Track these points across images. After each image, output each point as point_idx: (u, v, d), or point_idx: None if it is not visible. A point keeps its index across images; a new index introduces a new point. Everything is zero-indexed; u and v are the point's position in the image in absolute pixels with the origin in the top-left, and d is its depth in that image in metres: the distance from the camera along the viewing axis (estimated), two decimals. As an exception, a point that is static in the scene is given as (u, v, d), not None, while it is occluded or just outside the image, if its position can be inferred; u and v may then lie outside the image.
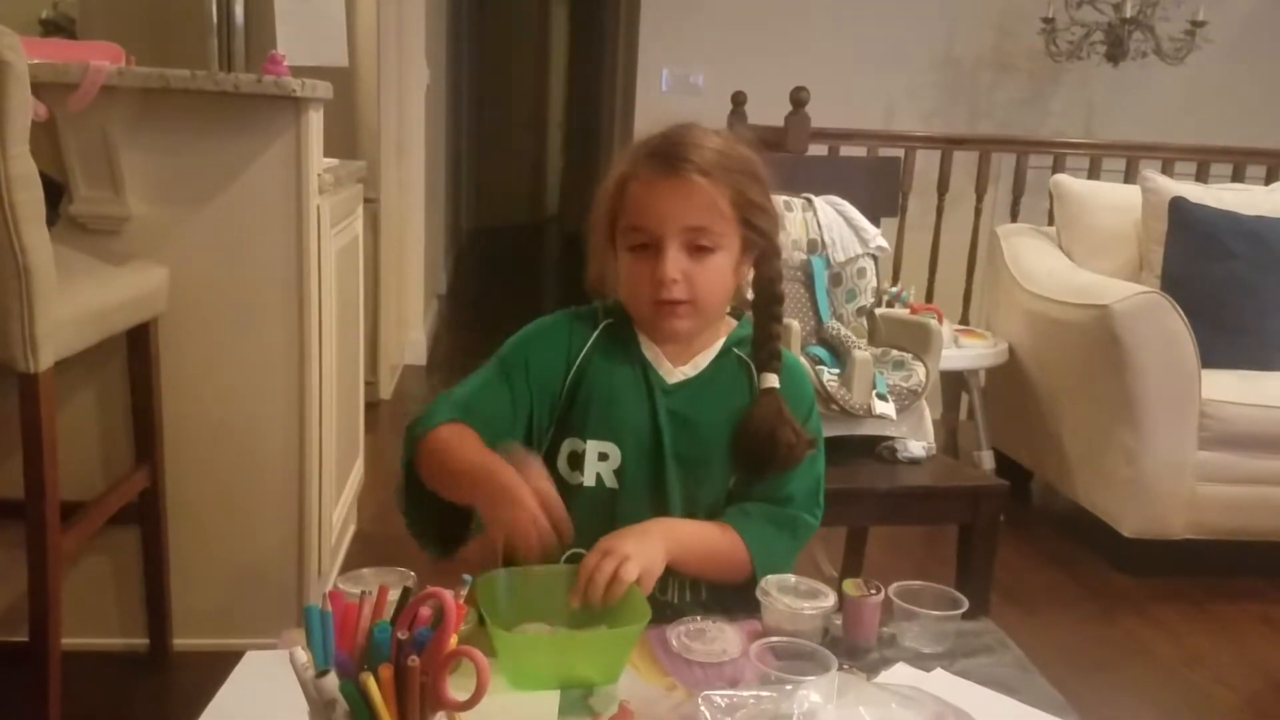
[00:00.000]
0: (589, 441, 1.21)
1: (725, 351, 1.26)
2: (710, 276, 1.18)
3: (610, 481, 1.21)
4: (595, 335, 1.25)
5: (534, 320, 1.29)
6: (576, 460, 1.22)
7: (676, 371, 1.24)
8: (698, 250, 1.17)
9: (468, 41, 7.72)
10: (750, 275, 1.26)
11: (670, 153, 1.16)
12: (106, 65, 1.76)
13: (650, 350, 1.24)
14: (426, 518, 1.21)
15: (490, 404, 1.21)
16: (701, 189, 1.15)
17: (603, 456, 1.21)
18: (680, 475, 1.22)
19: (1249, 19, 4.61)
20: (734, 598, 1.19)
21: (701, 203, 1.15)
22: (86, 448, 1.95)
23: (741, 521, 1.21)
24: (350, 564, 2.43)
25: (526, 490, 1.03)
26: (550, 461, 1.22)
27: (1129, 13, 4.21)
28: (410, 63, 4.13)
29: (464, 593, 0.81)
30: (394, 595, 0.79)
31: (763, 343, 1.26)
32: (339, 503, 2.33)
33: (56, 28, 3.47)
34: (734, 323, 1.29)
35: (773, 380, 1.23)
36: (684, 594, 1.22)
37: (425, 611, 0.76)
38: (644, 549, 1.08)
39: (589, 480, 1.21)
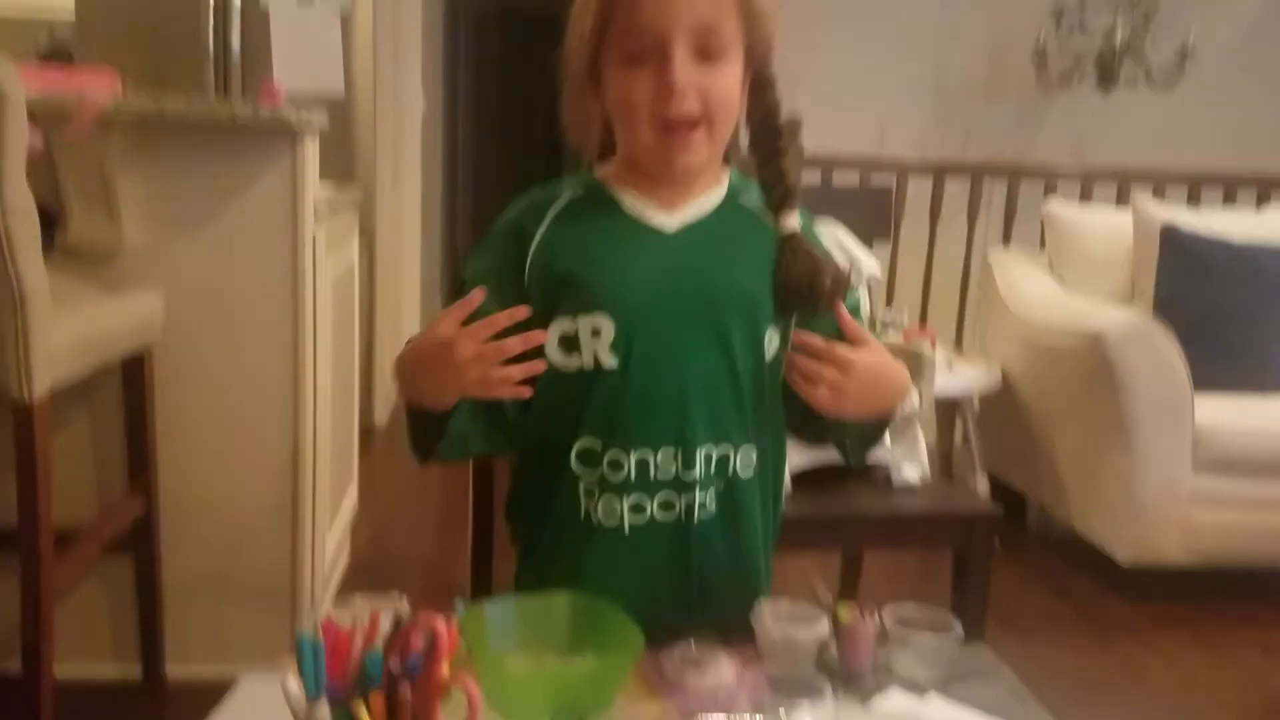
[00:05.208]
0: (580, 318, 1.07)
1: (729, 199, 1.14)
2: (722, 87, 1.04)
3: (607, 359, 1.07)
4: (553, 213, 1.11)
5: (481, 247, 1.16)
6: (570, 343, 1.08)
7: (675, 218, 1.10)
8: (706, 56, 1.02)
9: (464, 71, 7.77)
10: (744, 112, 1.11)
11: None
12: (103, 95, 1.78)
13: (636, 203, 1.11)
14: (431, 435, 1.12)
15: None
16: None
17: (595, 332, 1.07)
18: (696, 334, 1.08)
19: (1238, 47, 4.65)
20: (729, 613, 1.16)
21: None
22: (81, 475, 1.94)
23: None
24: (344, 590, 2.42)
25: (452, 333, 0.97)
26: (540, 353, 1.07)
27: (1119, 40, 4.25)
28: (407, 92, 4.16)
29: (456, 620, 0.80)
30: (386, 623, 0.79)
31: (773, 182, 1.11)
32: (332, 529, 2.33)
33: (54, 57, 3.49)
34: (727, 172, 1.16)
35: (794, 222, 1.10)
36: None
37: (417, 639, 0.76)
38: (863, 382, 1.04)
39: (588, 362, 1.08)
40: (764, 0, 1.07)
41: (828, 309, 1.09)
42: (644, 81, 1.02)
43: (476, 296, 1.00)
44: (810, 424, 1.18)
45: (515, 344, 0.97)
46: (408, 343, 1.07)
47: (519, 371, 0.99)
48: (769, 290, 1.10)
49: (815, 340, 1.04)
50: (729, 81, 1.05)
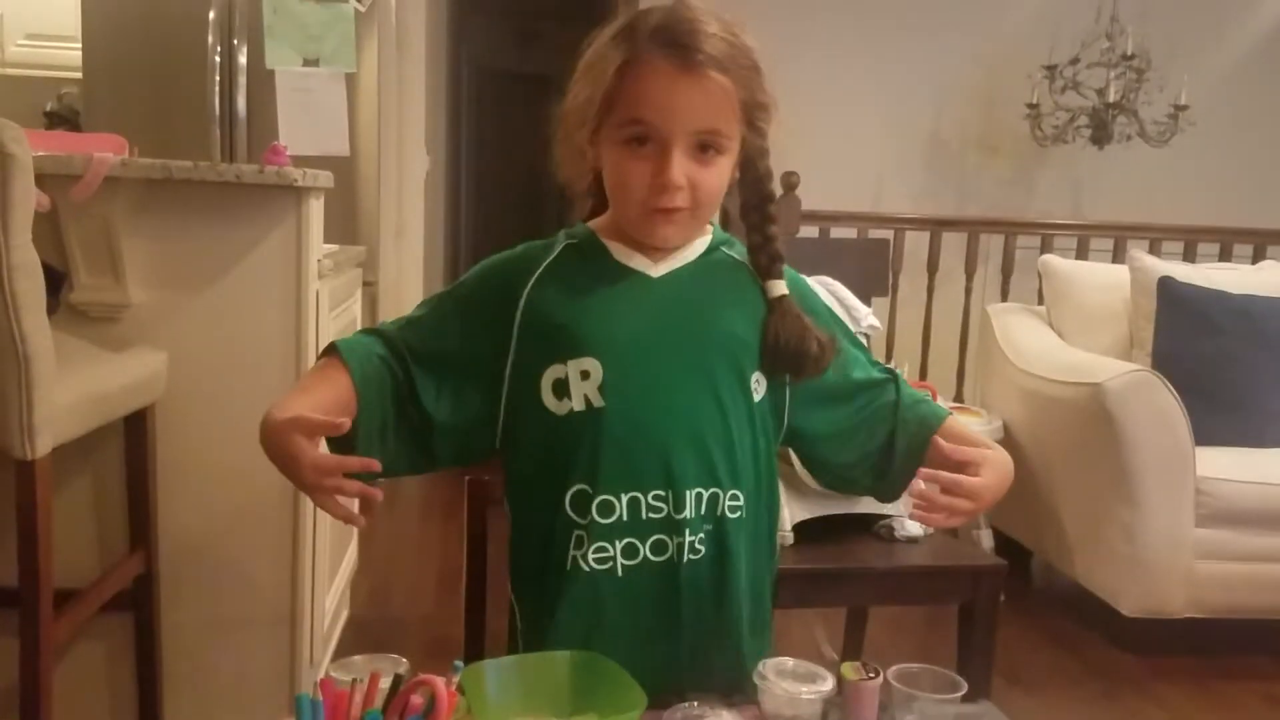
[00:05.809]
0: (570, 362, 1.10)
1: (712, 250, 1.18)
2: (713, 181, 1.09)
3: (596, 400, 1.10)
4: (545, 264, 1.15)
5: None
6: (562, 387, 1.11)
7: (660, 265, 1.14)
8: (704, 151, 1.07)
9: (467, 128, 7.89)
10: (735, 176, 1.16)
11: (684, 41, 1.04)
12: (110, 157, 1.80)
13: (624, 254, 1.15)
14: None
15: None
16: (719, 88, 1.05)
17: (584, 375, 1.10)
18: (681, 373, 1.11)
19: (1231, 102, 4.71)
20: (714, 655, 1.16)
21: (718, 104, 1.05)
22: (81, 533, 1.94)
23: (930, 414, 1.24)
24: (343, 649, 2.40)
25: (303, 458, 1.03)
26: (535, 401, 1.12)
27: (1112, 97, 4.31)
28: (410, 151, 4.21)
29: (456, 680, 0.80)
30: (385, 683, 0.78)
31: (761, 246, 1.16)
32: (332, 588, 2.32)
33: (61, 119, 3.55)
34: (710, 228, 1.20)
35: (781, 287, 1.15)
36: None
37: (417, 700, 0.76)
38: (994, 496, 1.11)
39: (578, 404, 1.10)
40: (766, 94, 1.11)
41: (815, 373, 1.15)
42: (640, 167, 1.07)
43: (344, 425, 1.03)
44: (843, 483, 1.31)
45: (352, 488, 1.03)
46: (277, 406, 1.09)
47: (359, 519, 1.07)
48: (753, 334, 1.14)
49: (944, 475, 1.08)
50: (722, 174, 1.10)
